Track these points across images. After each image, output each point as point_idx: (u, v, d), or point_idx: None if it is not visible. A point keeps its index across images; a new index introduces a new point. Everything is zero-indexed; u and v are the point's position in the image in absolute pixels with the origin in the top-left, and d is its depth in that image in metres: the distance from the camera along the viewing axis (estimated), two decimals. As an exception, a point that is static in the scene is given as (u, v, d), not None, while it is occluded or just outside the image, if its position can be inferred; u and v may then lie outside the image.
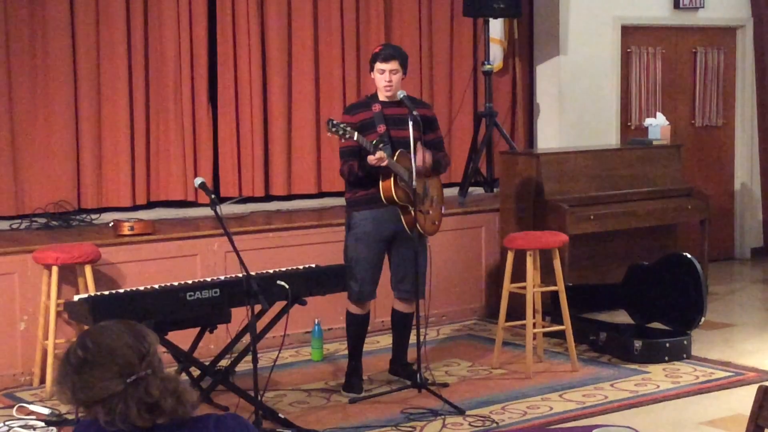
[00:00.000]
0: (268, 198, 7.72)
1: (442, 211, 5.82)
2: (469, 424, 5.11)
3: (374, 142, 5.42)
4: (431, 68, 8.38)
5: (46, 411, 5.37)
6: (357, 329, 5.79)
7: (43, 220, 6.80)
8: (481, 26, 8.33)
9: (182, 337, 5.36)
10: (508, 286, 6.15)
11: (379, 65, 5.56)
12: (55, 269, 5.72)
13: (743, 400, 5.18)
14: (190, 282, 5.19)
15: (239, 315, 5.25)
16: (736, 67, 9.43)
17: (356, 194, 5.62)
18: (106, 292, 5.11)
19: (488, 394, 5.63)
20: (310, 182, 7.84)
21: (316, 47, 7.84)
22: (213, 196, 5.00)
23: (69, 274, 5.90)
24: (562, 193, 7.19)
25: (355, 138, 5.29)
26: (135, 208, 7.23)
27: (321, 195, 7.91)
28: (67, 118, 6.98)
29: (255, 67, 7.56)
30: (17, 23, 6.80)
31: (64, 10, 6.92)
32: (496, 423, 5.12)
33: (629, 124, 8.92)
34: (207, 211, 6.68)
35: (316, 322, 6.42)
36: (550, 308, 6.54)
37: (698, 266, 6.44)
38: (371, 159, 5.34)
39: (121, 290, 5.18)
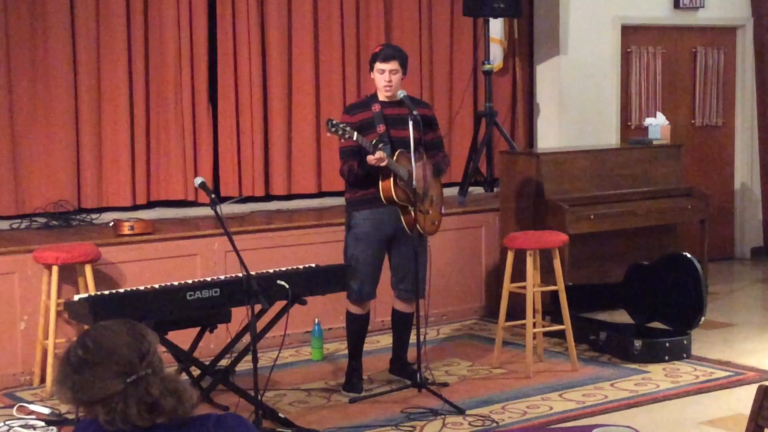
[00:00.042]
0: (268, 198, 7.72)
1: (442, 211, 5.83)
2: (469, 424, 5.11)
3: (374, 142, 5.43)
4: (431, 68, 8.38)
5: (46, 410, 5.37)
6: (357, 329, 5.79)
7: (43, 220, 6.80)
8: (481, 26, 8.33)
9: (182, 337, 5.36)
10: (508, 286, 6.15)
11: (378, 65, 5.56)
12: (55, 269, 5.73)
13: (743, 399, 5.19)
14: (190, 282, 5.19)
15: (239, 315, 5.25)
16: (736, 67, 9.43)
17: (356, 194, 5.62)
18: (106, 292, 5.11)
19: (488, 394, 5.63)
20: (310, 182, 7.84)
21: (316, 47, 7.84)
22: (213, 195, 5.00)
23: (69, 274, 5.90)
24: (562, 192, 7.19)
25: (354, 138, 5.29)
26: (135, 207, 7.23)
27: (321, 195, 7.91)
28: (67, 117, 6.98)
29: (255, 67, 7.57)
30: (17, 23, 6.80)
31: (64, 10, 6.92)
32: (496, 423, 5.13)
33: (629, 123, 8.92)
34: (207, 211, 6.68)
35: (316, 322, 6.42)
36: (550, 308, 6.54)
37: (698, 266, 6.44)
38: (371, 159, 5.34)
39: (121, 290, 5.18)
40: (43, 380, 5.82)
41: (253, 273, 4.90)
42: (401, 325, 5.90)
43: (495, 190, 8.16)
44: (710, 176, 9.30)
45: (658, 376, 5.89)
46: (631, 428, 4.58)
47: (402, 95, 5.51)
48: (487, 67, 8.20)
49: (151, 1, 7.25)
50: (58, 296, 5.75)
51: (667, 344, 6.19)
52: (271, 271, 5.31)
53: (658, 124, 8.24)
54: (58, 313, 5.77)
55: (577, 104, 8.58)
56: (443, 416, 5.20)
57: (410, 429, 5.07)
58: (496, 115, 8.15)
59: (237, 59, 7.53)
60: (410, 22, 8.25)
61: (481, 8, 7.94)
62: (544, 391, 5.65)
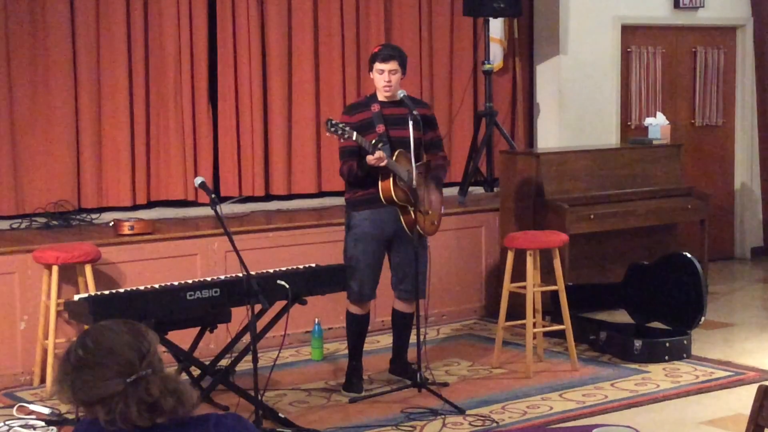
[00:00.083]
0: (268, 198, 7.72)
1: (441, 211, 5.82)
2: (469, 424, 5.11)
3: (373, 142, 5.42)
4: (431, 68, 8.37)
5: (46, 410, 5.36)
6: (357, 329, 5.79)
7: (43, 220, 6.80)
8: (481, 26, 8.33)
9: (182, 337, 5.36)
10: (508, 286, 6.15)
11: (378, 65, 5.55)
12: (55, 269, 5.73)
13: (743, 399, 5.19)
14: (190, 282, 5.19)
15: (239, 315, 5.25)
16: (736, 66, 9.43)
17: (356, 194, 5.62)
18: (106, 292, 5.12)
19: (488, 394, 5.63)
20: (310, 182, 7.84)
21: (316, 47, 7.84)
22: (213, 195, 4.99)
23: (69, 274, 5.90)
24: (562, 192, 7.19)
25: (353, 138, 5.29)
26: (135, 207, 7.23)
27: (321, 195, 7.91)
28: (67, 117, 6.98)
29: (255, 67, 7.57)
30: (17, 23, 6.80)
31: (64, 10, 6.92)
32: (496, 423, 5.12)
33: (629, 123, 8.92)
34: (207, 211, 6.68)
35: (316, 322, 6.42)
36: (550, 308, 6.54)
37: (698, 266, 6.44)
38: (370, 159, 5.34)
39: (121, 290, 5.18)
40: (43, 380, 5.82)
41: (253, 273, 4.90)
42: (401, 325, 5.90)
43: (495, 189, 8.16)
44: (710, 176, 9.30)
45: (658, 376, 5.89)
46: (631, 428, 4.58)
47: (402, 95, 5.50)
48: (487, 66, 8.20)
49: (151, 1, 7.25)
50: (58, 296, 5.75)
51: (667, 344, 6.19)
52: (271, 271, 5.31)
53: (658, 124, 8.24)
54: (58, 313, 5.77)
55: (577, 104, 8.58)
56: (443, 416, 5.19)
57: (410, 429, 5.07)
58: (496, 115, 8.15)
59: (237, 59, 7.53)
60: (410, 22, 8.24)
61: (481, 8, 7.95)
62: (544, 391, 5.65)
